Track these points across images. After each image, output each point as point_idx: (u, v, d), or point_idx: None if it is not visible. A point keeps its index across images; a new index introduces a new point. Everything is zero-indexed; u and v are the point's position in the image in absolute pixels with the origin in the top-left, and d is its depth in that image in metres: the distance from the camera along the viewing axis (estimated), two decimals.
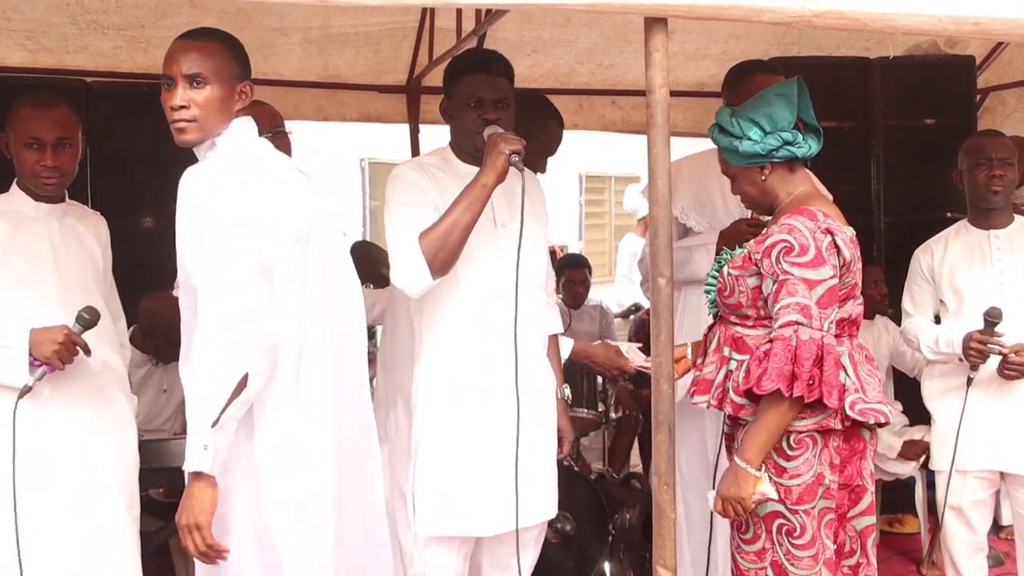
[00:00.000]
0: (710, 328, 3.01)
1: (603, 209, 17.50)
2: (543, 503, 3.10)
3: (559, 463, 4.20)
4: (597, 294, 6.56)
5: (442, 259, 2.82)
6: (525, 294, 2.98)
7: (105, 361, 3.13)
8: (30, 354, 2.84)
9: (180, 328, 3.70)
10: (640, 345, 3.75)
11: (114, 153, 4.98)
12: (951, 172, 3.99)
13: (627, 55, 5.67)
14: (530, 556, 3.14)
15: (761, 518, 2.75)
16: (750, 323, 2.81)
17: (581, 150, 14.81)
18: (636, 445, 5.89)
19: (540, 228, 3.16)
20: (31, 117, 3.02)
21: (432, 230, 2.82)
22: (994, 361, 3.53)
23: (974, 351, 3.52)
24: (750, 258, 2.78)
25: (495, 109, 2.97)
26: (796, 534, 2.72)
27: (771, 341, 2.64)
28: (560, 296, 6.24)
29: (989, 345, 3.50)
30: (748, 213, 3.62)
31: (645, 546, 4.24)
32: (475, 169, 2.98)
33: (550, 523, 4.05)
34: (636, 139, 6.22)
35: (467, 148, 3.05)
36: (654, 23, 2.35)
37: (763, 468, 2.70)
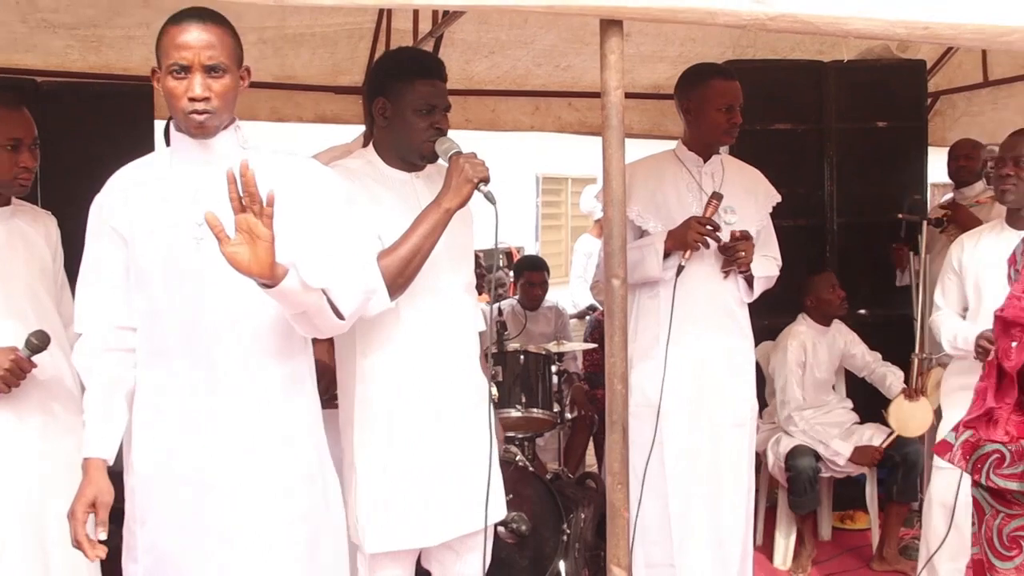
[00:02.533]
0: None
1: (560, 210, 17.55)
2: (487, 507, 2.97)
3: (514, 464, 4.23)
4: (553, 295, 6.57)
5: (401, 283, 2.75)
6: (456, 298, 2.98)
7: (54, 368, 3.07)
8: None
9: None
10: None
11: (66, 154, 4.90)
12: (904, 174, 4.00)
13: (584, 57, 5.69)
14: (480, 561, 3.10)
15: None
16: None
17: (538, 152, 14.88)
18: (591, 445, 5.91)
19: (466, 230, 3.05)
20: (8, 118, 3.00)
21: (392, 254, 2.73)
22: None
23: (983, 350, 3.52)
24: None
25: (444, 118, 2.92)
26: None
27: None
28: (517, 297, 6.25)
29: None
30: (701, 212, 3.65)
31: (600, 545, 4.26)
32: (405, 176, 2.95)
33: (506, 523, 4.07)
34: (593, 141, 6.19)
35: (410, 156, 2.94)
36: (610, 25, 2.36)
37: None
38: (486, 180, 2.76)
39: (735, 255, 3.66)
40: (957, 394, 3.74)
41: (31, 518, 2.97)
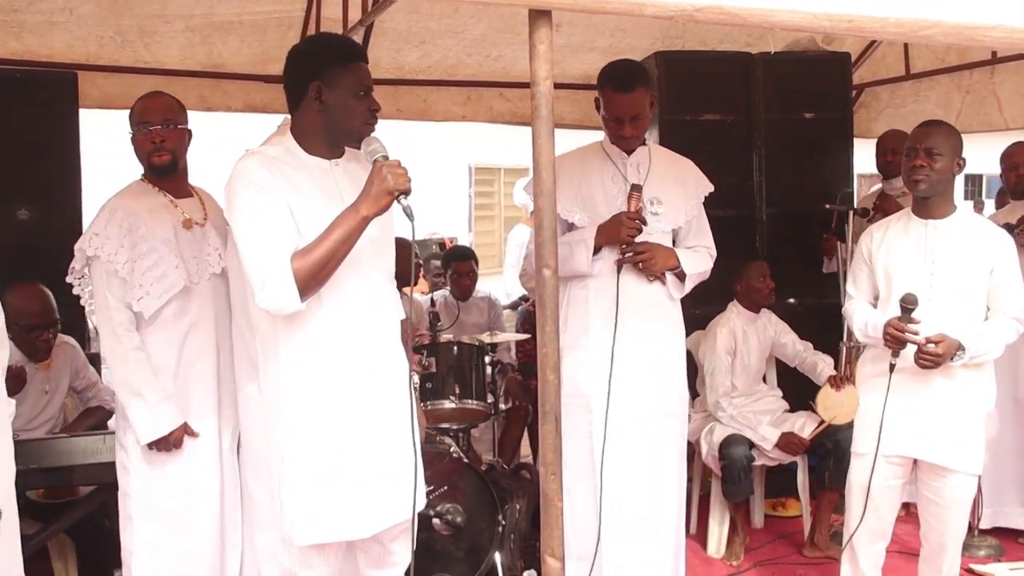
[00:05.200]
0: None
1: (493, 200, 17.53)
2: (410, 497, 2.95)
3: (448, 455, 4.22)
4: (488, 285, 6.56)
5: (314, 286, 2.74)
6: (378, 287, 2.97)
7: None
8: None
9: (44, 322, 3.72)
10: None
11: None
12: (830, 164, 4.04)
13: (515, 47, 5.69)
14: (407, 550, 3.10)
15: None
16: None
17: (470, 142, 14.82)
18: (526, 436, 5.92)
19: (386, 219, 2.99)
20: None
21: (306, 256, 2.71)
22: (915, 349, 3.57)
23: (890, 337, 3.58)
24: None
25: (374, 100, 2.92)
26: None
27: None
28: (448, 288, 6.24)
29: (905, 333, 3.55)
30: (626, 207, 3.67)
31: (535, 536, 4.27)
32: (325, 163, 2.92)
33: (440, 515, 4.06)
34: (525, 131, 6.20)
35: (347, 140, 2.94)
36: (538, 15, 2.36)
37: None
38: (406, 192, 2.74)
39: (637, 261, 3.68)
40: (872, 380, 3.80)
41: None
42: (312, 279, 2.72)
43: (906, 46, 5.92)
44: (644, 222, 3.65)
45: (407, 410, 3.00)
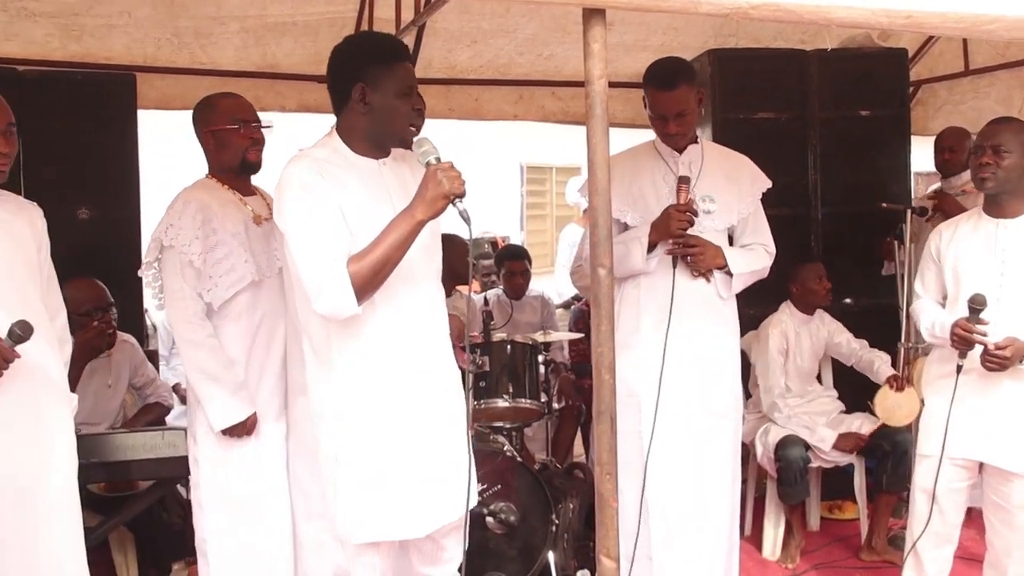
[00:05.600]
0: None
1: (544, 200, 17.52)
2: (462, 496, 2.99)
3: (502, 454, 4.23)
4: (539, 285, 6.56)
5: (370, 290, 2.75)
6: (429, 289, 2.98)
7: (40, 362, 3.04)
8: None
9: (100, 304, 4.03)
10: None
11: (48, 143, 4.89)
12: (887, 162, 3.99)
13: (567, 46, 5.68)
14: (459, 547, 3.11)
15: None
16: None
17: (522, 141, 14.83)
18: (579, 435, 5.92)
19: (433, 223, 2.96)
20: None
21: (362, 260, 2.71)
22: (982, 350, 3.51)
23: (957, 338, 3.53)
24: None
25: (420, 99, 2.93)
26: None
27: None
28: (501, 287, 6.25)
29: (973, 334, 3.49)
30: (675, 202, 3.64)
31: (588, 536, 4.27)
32: (373, 163, 2.93)
33: (494, 513, 4.07)
34: (576, 130, 6.22)
35: (390, 140, 2.95)
36: (593, 14, 2.36)
37: None
38: (461, 196, 2.72)
39: (686, 255, 3.66)
40: (938, 382, 3.74)
41: (19, 509, 2.96)
42: (368, 283, 2.72)
43: (965, 41, 5.82)
44: (695, 213, 3.62)
45: (458, 411, 3.02)
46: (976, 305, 3.48)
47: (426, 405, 2.94)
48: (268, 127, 3.63)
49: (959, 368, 3.58)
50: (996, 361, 3.47)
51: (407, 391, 2.91)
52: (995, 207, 3.68)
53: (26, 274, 3.09)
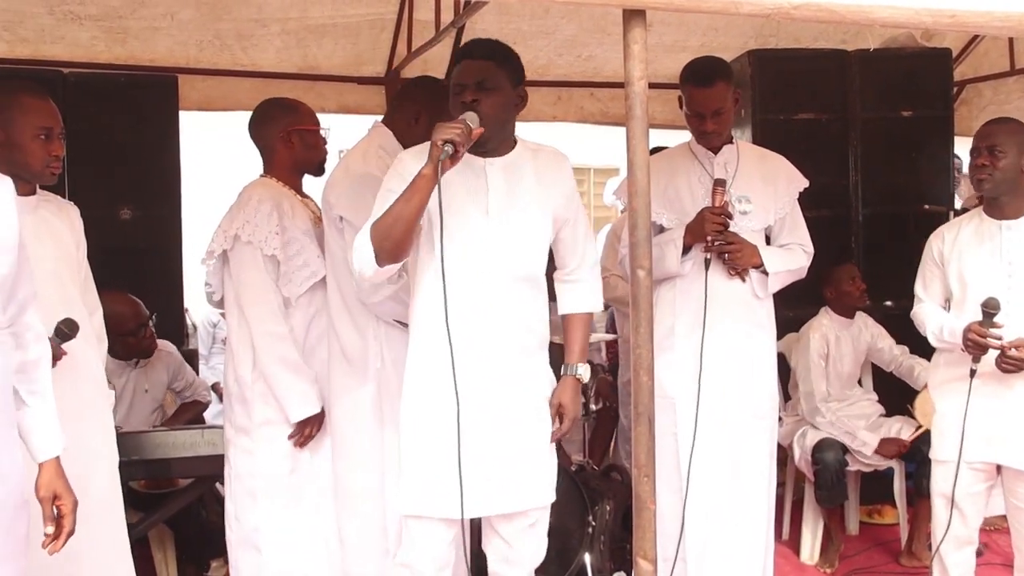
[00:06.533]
0: None
1: (583, 201, 17.51)
2: (526, 490, 3.05)
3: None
4: None
5: (388, 248, 2.78)
6: (506, 286, 2.97)
7: (81, 359, 3.10)
8: None
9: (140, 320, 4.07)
10: None
11: (92, 145, 4.95)
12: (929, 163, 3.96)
13: (606, 47, 5.68)
14: (529, 544, 3.13)
15: None
16: None
17: (560, 142, 14.80)
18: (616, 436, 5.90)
19: (543, 216, 3.04)
20: (39, 108, 3.00)
21: (380, 220, 2.79)
22: (996, 352, 3.48)
23: (972, 342, 3.49)
24: None
25: (475, 92, 2.90)
26: None
27: None
28: None
29: (988, 337, 3.46)
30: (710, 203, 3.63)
31: (625, 538, 4.25)
32: (479, 160, 2.96)
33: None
34: (615, 131, 6.21)
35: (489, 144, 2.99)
36: (633, 15, 2.35)
37: None
38: (452, 141, 2.71)
39: (723, 252, 3.64)
40: (947, 386, 3.72)
41: None
42: (384, 239, 2.77)
43: (1011, 40, 5.75)
44: (730, 216, 3.61)
45: (534, 408, 3.07)
46: (990, 309, 3.45)
47: (493, 392, 2.98)
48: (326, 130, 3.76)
49: (972, 372, 3.55)
50: (1013, 362, 3.45)
51: (474, 378, 2.94)
52: (996, 209, 3.66)
53: (67, 273, 3.15)
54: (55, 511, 2.45)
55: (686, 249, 3.67)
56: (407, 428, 3.00)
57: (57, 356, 2.90)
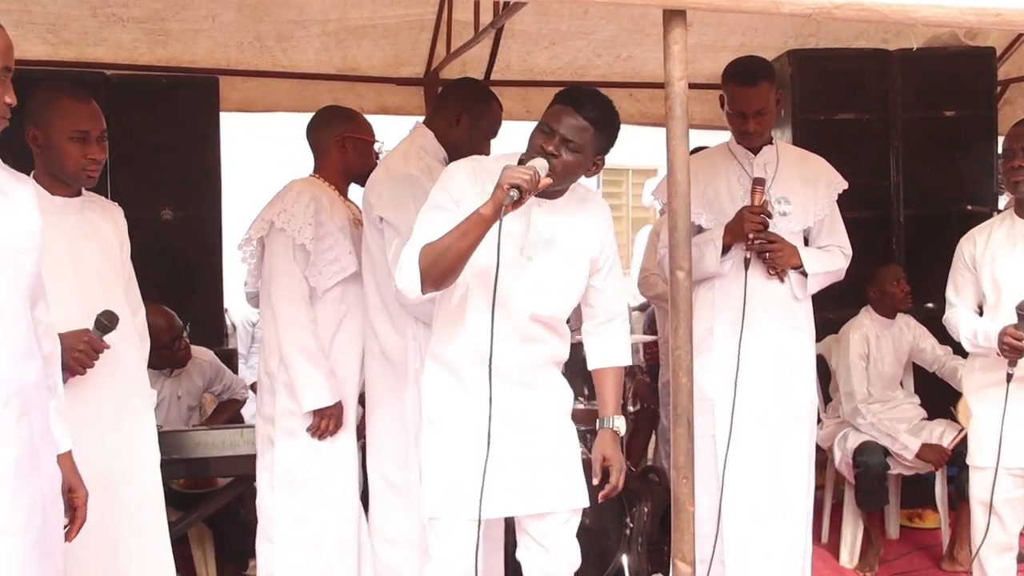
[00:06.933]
0: None
1: (621, 202, 17.44)
2: (551, 492, 3.05)
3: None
4: None
5: (434, 275, 2.78)
6: (525, 327, 2.97)
7: (123, 355, 3.14)
8: None
9: (175, 332, 4.23)
10: None
11: (133, 146, 5.00)
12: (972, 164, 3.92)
13: (645, 47, 5.66)
14: (562, 544, 3.11)
15: None
16: None
17: None
18: (654, 438, 5.88)
19: (578, 259, 3.03)
20: (76, 110, 3.03)
21: (432, 245, 2.77)
22: None
23: (1008, 346, 3.46)
24: None
25: (560, 146, 2.84)
26: None
27: None
28: None
29: (1023, 341, 3.42)
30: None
31: (662, 540, 4.24)
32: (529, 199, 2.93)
33: None
34: (654, 131, 6.18)
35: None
36: (673, 15, 2.35)
37: None
38: (516, 186, 2.67)
39: (764, 251, 3.62)
40: (983, 391, 3.70)
41: (107, 501, 3.03)
42: (432, 267, 2.77)
43: None
44: (769, 215, 3.58)
45: (547, 412, 3.07)
46: None
47: (516, 396, 2.98)
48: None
49: (1009, 376, 3.52)
50: None
51: (495, 383, 2.90)
52: None
53: (111, 273, 3.19)
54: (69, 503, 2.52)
55: (725, 249, 3.65)
56: (430, 440, 3.03)
57: (98, 349, 2.93)
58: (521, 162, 2.85)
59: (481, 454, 2.86)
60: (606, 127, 2.89)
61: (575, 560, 3.16)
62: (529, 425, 3.02)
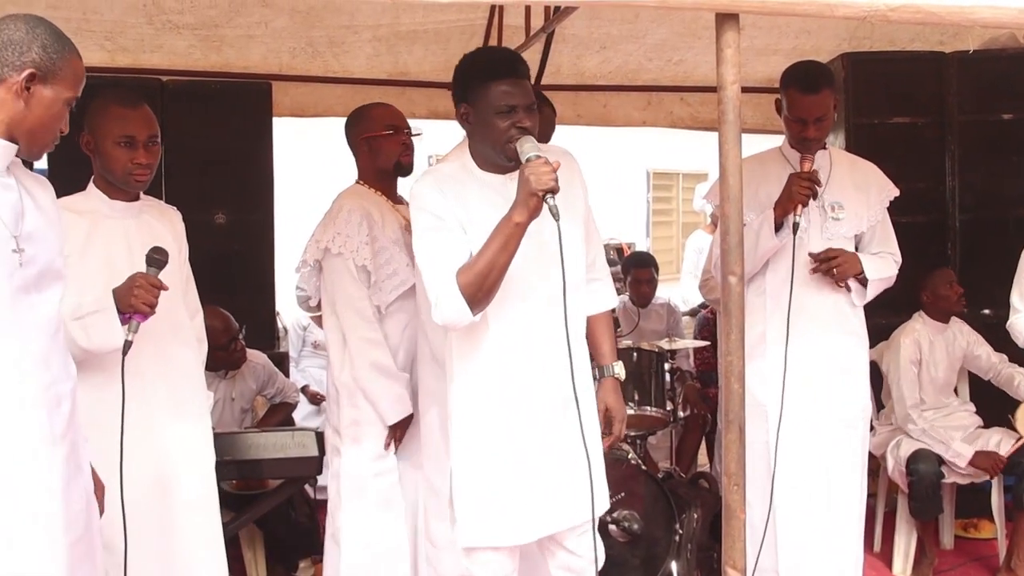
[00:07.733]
0: None
1: (671, 206, 17.41)
2: (583, 502, 2.93)
3: (626, 462, 4.20)
4: (665, 292, 6.52)
5: (481, 298, 2.75)
6: (545, 304, 2.89)
7: (181, 357, 3.18)
8: (118, 311, 2.85)
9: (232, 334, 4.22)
10: None
11: (188, 150, 5.07)
12: None
13: (696, 51, 5.63)
14: (590, 545, 3.04)
15: None
16: None
17: (649, 147, 14.78)
18: (704, 444, 5.86)
19: (575, 224, 2.96)
20: (123, 116, 3.06)
21: (469, 269, 2.73)
22: None
23: None
24: None
25: (528, 115, 2.82)
26: None
27: None
28: (627, 295, 6.23)
29: None
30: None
31: (712, 547, 4.22)
32: (498, 178, 2.90)
33: (617, 521, 4.05)
34: (704, 136, 6.17)
35: (497, 159, 2.88)
36: (726, 19, 2.33)
37: None
38: (552, 191, 2.65)
39: (829, 268, 3.60)
40: None
41: (161, 502, 3.08)
42: (477, 291, 2.73)
43: None
44: (818, 183, 3.55)
45: (577, 417, 2.94)
46: None
47: (541, 414, 2.92)
48: (418, 134, 3.79)
49: None
50: None
51: (521, 402, 2.90)
52: None
53: (169, 275, 3.21)
54: None
55: (778, 225, 3.61)
56: (463, 466, 2.95)
57: (156, 285, 2.88)
58: (503, 150, 2.81)
59: (514, 476, 2.87)
60: (526, 68, 2.91)
61: (602, 555, 3.09)
62: (559, 436, 2.94)
